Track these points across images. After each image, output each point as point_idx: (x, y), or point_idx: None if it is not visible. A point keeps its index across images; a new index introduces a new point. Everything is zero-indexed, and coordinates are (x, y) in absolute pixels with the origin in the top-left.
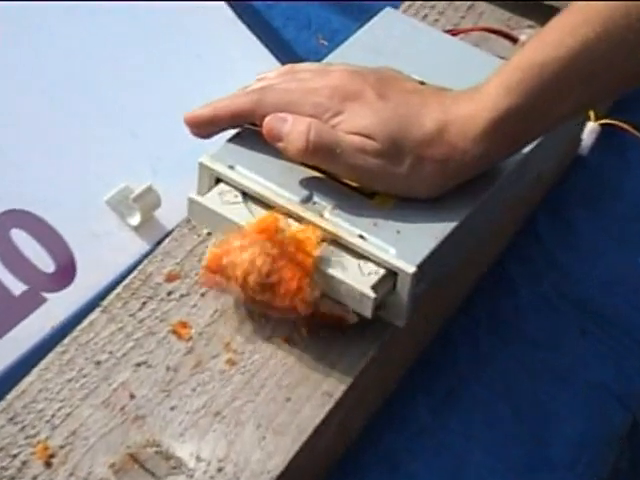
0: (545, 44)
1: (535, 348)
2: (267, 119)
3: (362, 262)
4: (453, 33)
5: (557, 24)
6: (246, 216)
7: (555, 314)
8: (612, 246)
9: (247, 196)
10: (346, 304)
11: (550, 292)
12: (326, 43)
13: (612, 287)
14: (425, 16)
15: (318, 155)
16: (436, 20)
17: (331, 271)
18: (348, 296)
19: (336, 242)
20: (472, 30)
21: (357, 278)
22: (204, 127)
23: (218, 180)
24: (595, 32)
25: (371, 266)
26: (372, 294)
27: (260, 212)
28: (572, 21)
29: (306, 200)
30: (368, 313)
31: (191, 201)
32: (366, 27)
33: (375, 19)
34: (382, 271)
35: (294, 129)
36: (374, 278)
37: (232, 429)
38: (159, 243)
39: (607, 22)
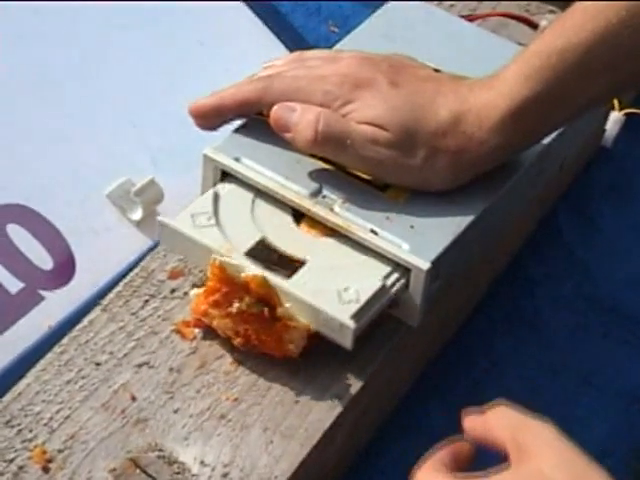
0: (566, 29)
1: (555, 351)
2: (274, 108)
3: (342, 288)
4: (470, 19)
5: (579, 9)
6: (219, 240)
7: (576, 315)
8: (636, 242)
9: (219, 219)
10: (325, 334)
11: (571, 292)
12: (337, 30)
13: (636, 286)
14: (441, 1)
15: (327, 146)
16: (452, 5)
17: (309, 299)
18: (326, 326)
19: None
20: (490, 15)
21: (335, 306)
22: (209, 118)
23: (224, 173)
24: (619, 16)
25: (351, 293)
26: (352, 324)
27: (236, 236)
28: (594, 5)
29: (315, 193)
30: (347, 344)
31: (161, 224)
32: (379, 12)
33: (388, 4)
34: (364, 298)
35: (302, 119)
36: (354, 307)
37: (238, 433)
38: None
39: (632, 6)
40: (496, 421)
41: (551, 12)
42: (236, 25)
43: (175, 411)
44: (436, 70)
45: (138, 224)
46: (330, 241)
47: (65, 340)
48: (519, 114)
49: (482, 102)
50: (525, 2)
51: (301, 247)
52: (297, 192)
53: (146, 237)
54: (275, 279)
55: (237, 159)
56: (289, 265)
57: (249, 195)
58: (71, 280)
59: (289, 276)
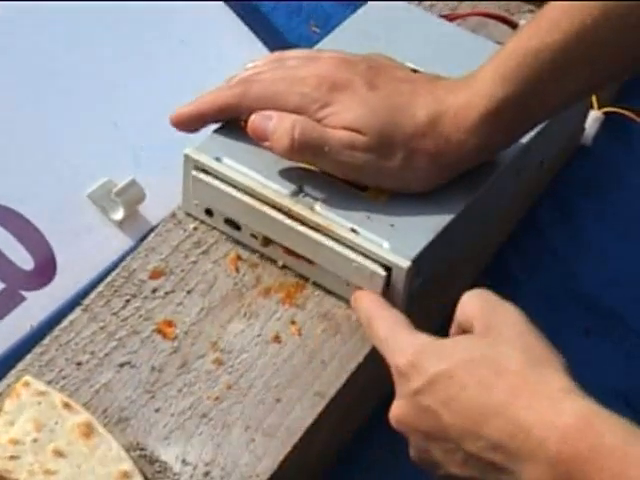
0: (540, 29)
1: None
2: (251, 118)
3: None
4: (449, 18)
5: (553, 8)
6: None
7: (557, 311)
8: (617, 239)
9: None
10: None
11: (552, 288)
12: (318, 30)
13: (617, 282)
14: (421, 0)
15: (305, 153)
16: (432, 5)
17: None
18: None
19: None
20: (469, 15)
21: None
22: (190, 124)
23: (205, 172)
24: (592, 15)
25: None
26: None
27: None
28: (569, 5)
29: (296, 193)
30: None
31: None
32: (359, 12)
33: (369, 4)
34: None
35: (279, 127)
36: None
37: (219, 431)
38: (143, 239)
39: (606, 5)
40: (469, 299)
41: (530, 12)
42: (217, 24)
43: (157, 410)
44: (414, 70)
45: (119, 224)
46: None
47: (46, 340)
48: (496, 114)
49: (459, 103)
50: (504, 2)
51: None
52: (277, 191)
53: (127, 237)
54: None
55: (218, 159)
56: None
57: None
58: (52, 280)
59: None
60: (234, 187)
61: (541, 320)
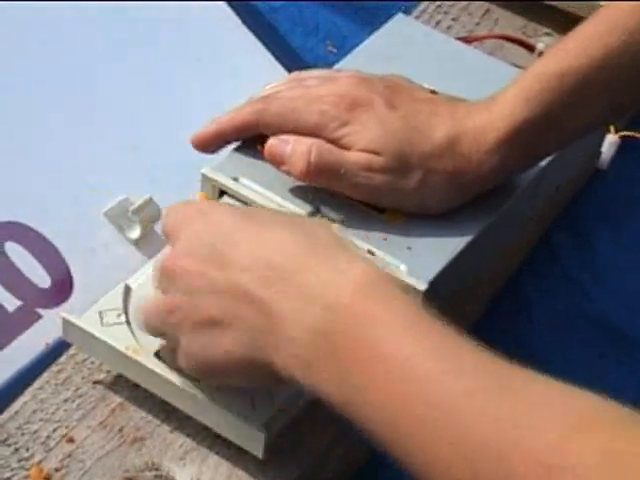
0: (567, 53)
1: (550, 371)
2: (268, 143)
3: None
4: (467, 41)
5: (580, 32)
6: (128, 340)
7: (571, 335)
8: (632, 263)
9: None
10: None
11: (566, 312)
12: (334, 50)
13: (632, 307)
14: (438, 22)
15: (322, 177)
16: (449, 27)
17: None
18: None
19: None
20: (486, 38)
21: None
22: (210, 145)
23: (222, 192)
24: (620, 41)
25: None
26: (264, 433)
27: (146, 339)
28: (596, 29)
29: (313, 214)
30: (260, 454)
31: (65, 322)
32: (377, 34)
33: (387, 25)
34: (278, 403)
35: (295, 151)
36: (267, 412)
37: (234, 452)
38: None
39: (633, 31)
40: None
41: (547, 34)
42: (234, 45)
43: (172, 430)
44: (433, 92)
45: (136, 242)
46: None
47: (63, 358)
48: (517, 136)
49: (479, 124)
50: (521, 24)
51: None
52: (294, 212)
53: (143, 256)
54: (184, 385)
55: (235, 179)
56: None
57: None
58: (69, 298)
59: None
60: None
61: (555, 343)
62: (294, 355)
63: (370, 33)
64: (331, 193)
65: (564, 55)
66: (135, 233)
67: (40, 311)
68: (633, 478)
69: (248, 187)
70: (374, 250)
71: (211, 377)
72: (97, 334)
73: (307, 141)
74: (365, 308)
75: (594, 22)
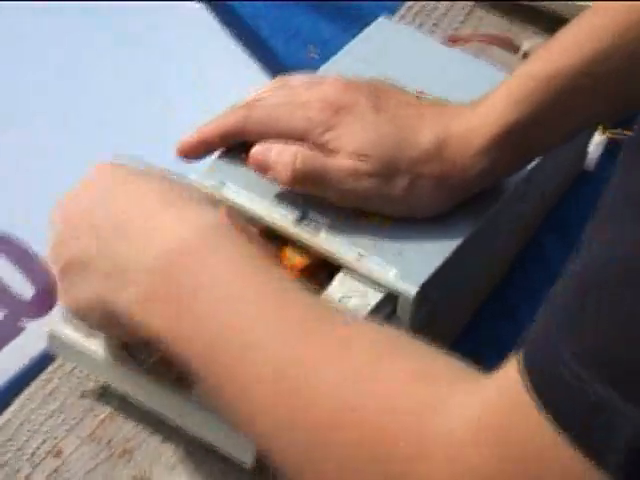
0: (556, 53)
1: None
2: (253, 151)
3: None
4: (451, 42)
5: (569, 32)
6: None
7: None
8: None
9: None
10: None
11: None
12: (317, 56)
13: None
14: (421, 24)
15: (307, 184)
16: (433, 29)
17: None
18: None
19: None
20: (471, 39)
21: None
22: (194, 153)
23: None
24: (611, 41)
25: None
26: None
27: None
28: (585, 30)
29: (301, 218)
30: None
31: (50, 335)
32: (360, 37)
33: (369, 29)
34: None
35: (280, 159)
36: None
37: (226, 462)
38: None
39: (624, 31)
40: None
41: (532, 35)
42: (215, 51)
43: (162, 440)
44: (418, 95)
45: None
46: None
47: (50, 368)
48: (506, 139)
49: (467, 127)
50: (506, 25)
51: None
52: (283, 217)
53: None
54: (174, 395)
55: (222, 184)
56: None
57: None
58: (53, 308)
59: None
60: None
61: None
62: (133, 295)
63: (352, 36)
64: (319, 198)
65: (552, 56)
66: None
67: (24, 321)
68: None
69: (235, 192)
70: (364, 255)
71: (82, 318)
72: (83, 344)
73: (291, 148)
74: (199, 252)
75: (582, 22)
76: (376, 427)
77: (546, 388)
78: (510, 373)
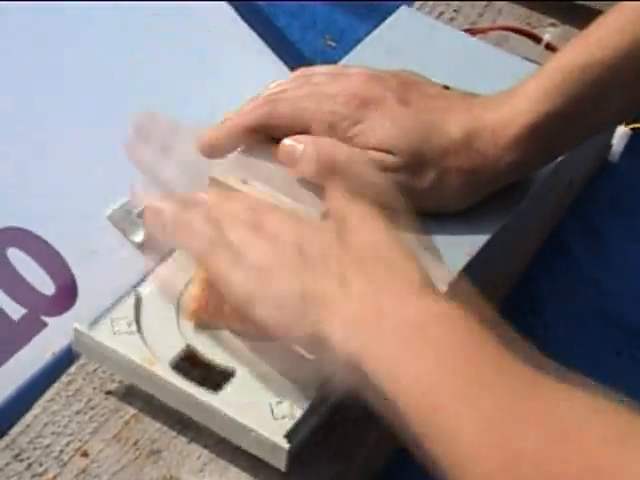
0: (589, 44)
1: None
2: (281, 144)
3: (275, 402)
4: (472, 32)
5: (602, 24)
6: (141, 350)
7: (587, 333)
8: None
9: (141, 325)
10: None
11: (581, 309)
12: (334, 44)
13: None
14: (440, 14)
15: (333, 177)
16: (452, 18)
17: (236, 417)
18: (258, 447)
19: None
20: (492, 29)
21: (266, 424)
22: (219, 151)
23: None
24: None
25: (285, 407)
26: (285, 445)
27: (160, 345)
28: (619, 21)
29: (326, 215)
30: (282, 466)
31: (77, 333)
32: (382, 27)
33: (391, 18)
34: (299, 413)
35: (306, 152)
36: (288, 423)
37: (255, 463)
38: None
39: None
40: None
41: (552, 25)
42: (233, 41)
43: (189, 442)
44: (445, 87)
45: (140, 246)
46: (263, 345)
47: (73, 369)
48: (537, 130)
49: (497, 119)
50: (525, 15)
51: (230, 354)
52: (307, 213)
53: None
54: (201, 396)
55: (244, 181)
56: (219, 374)
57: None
58: (73, 305)
59: (216, 389)
60: None
61: (570, 341)
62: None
63: (369, 26)
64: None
65: (585, 47)
66: (139, 236)
67: (45, 319)
68: None
69: (258, 189)
70: None
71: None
72: (110, 345)
73: (317, 141)
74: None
75: (617, 12)
76: None
77: None
78: None
